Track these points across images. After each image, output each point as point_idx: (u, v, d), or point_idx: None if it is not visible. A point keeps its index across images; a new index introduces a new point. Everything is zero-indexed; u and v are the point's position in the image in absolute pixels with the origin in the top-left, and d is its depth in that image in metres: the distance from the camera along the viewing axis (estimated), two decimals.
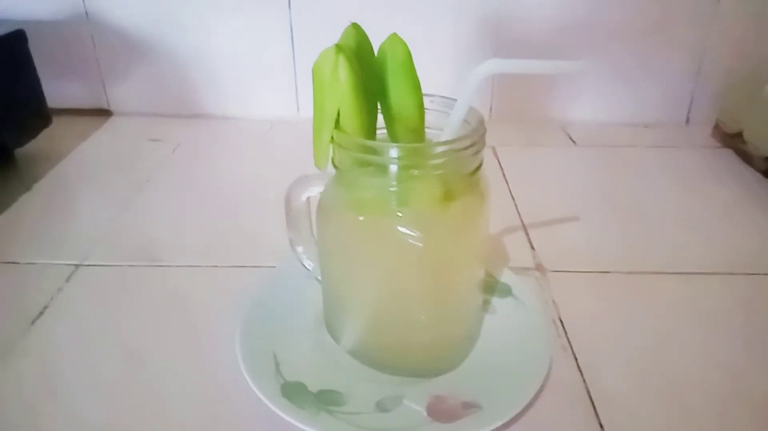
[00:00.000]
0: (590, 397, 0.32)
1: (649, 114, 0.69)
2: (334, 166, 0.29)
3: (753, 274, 0.42)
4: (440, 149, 0.27)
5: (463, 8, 0.63)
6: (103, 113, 0.70)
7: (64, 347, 0.35)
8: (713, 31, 0.64)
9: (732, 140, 0.61)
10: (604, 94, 0.68)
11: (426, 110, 0.30)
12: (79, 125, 0.67)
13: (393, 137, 0.30)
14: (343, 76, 0.26)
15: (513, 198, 0.52)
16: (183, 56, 0.67)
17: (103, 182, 0.55)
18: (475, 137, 0.27)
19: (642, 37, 0.64)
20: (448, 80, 0.54)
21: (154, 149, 0.62)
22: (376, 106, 0.30)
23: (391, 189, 0.28)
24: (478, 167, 0.29)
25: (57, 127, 0.59)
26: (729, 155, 0.61)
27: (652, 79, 0.67)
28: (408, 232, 0.28)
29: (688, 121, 0.69)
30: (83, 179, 0.56)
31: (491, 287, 0.38)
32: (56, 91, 0.63)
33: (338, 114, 0.27)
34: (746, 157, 0.59)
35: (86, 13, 0.64)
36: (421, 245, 0.28)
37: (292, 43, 0.66)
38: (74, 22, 0.65)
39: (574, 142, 0.65)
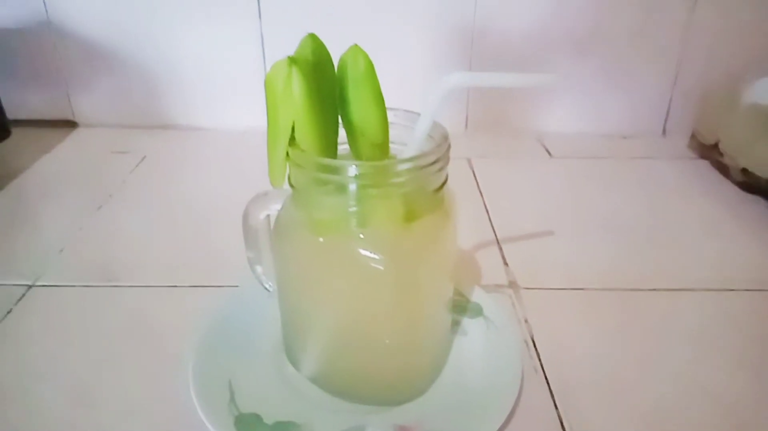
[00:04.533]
0: (562, 425, 0.30)
1: (626, 125, 0.68)
2: (291, 185, 0.28)
3: (732, 290, 0.41)
4: (402, 166, 0.26)
5: (439, 19, 0.62)
6: (68, 125, 0.68)
7: (8, 376, 0.33)
8: (689, 41, 0.63)
9: (709, 151, 0.61)
10: (581, 104, 0.68)
11: (390, 125, 0.28)
12: (42, 137, 0.64)
13: (356, 153, 0.29)
14: (296, 89, 0.24)
15: (487, 212, 0.51)
16: (151, 65, 0.65)
17: (63, 197, 0.53)
18: (438, 154, 0.26)
19: (618, 48, 0.64)
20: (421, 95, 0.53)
21: (118, 161, 0.59)
22: (337, 120, 0.28)
23: (351, 209, 0.26)
24: (443, 185, 0.27)
25: (17, 139, 0.57)
26: (706, 167, 0.60)
27: (629, 90, 0.66)
28: (369, 254, 0.26)
29: (664, 132, 0.69)
30: (42, 194, 0.53)
31: (461, 307, 0.36)
32: (17, 102, 0.61)
33: (293, 130, 0.25)
34: (722, 168, 0.58)
35: (48, 20, 0.62)
36: (381, 268, 0.26)
37: (263, 52, 0.64)
38: (36, 30, 0.63)
39: (550, 153, 0.64)
